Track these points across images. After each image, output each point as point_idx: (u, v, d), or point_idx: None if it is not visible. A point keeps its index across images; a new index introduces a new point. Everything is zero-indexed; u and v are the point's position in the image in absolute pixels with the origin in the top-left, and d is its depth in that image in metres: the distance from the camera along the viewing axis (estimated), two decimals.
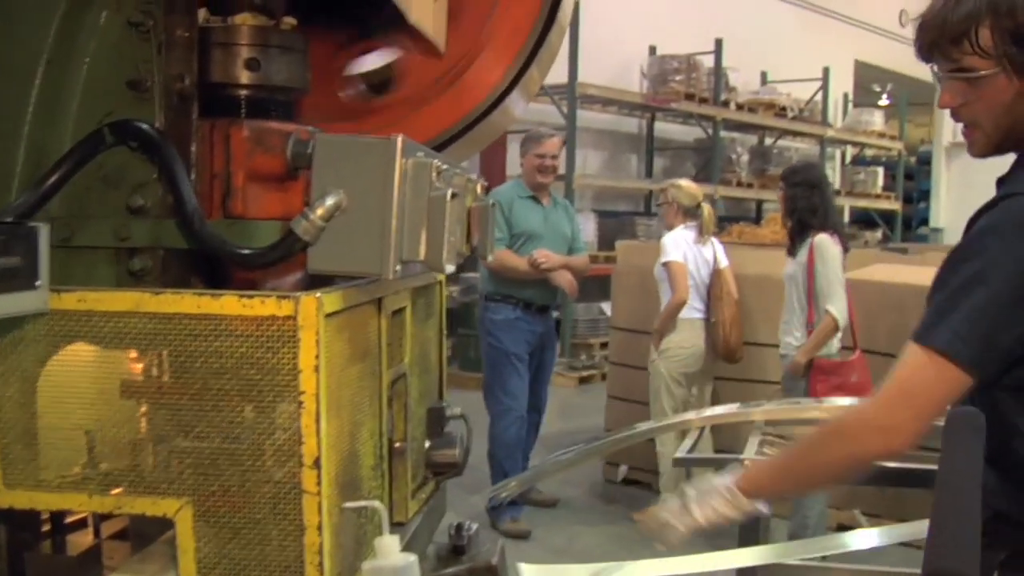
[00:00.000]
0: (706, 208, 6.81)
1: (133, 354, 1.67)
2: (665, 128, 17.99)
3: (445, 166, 1.85)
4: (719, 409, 4.87)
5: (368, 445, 1.93)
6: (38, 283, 1.62)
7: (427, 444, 2.43)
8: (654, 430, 5.18)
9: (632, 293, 7.81)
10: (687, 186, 6.93)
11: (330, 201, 1.67)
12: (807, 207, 6.00)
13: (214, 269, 1.89)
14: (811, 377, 5.95)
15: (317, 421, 1.61)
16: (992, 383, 1.94)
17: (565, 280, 6.68)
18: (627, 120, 17.37)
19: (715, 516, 2.16)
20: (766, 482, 2.17)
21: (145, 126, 1.82)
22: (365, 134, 1.79)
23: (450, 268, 1.82)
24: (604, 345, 12.12)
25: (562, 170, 14.60)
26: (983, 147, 2.10)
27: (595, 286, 11.91)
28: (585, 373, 13.03)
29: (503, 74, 2.55)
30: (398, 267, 1.69)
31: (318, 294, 1.62)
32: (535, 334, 6.75)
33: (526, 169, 7.14)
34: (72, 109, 1.88)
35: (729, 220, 15.58)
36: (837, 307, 5.89)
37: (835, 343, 6.01)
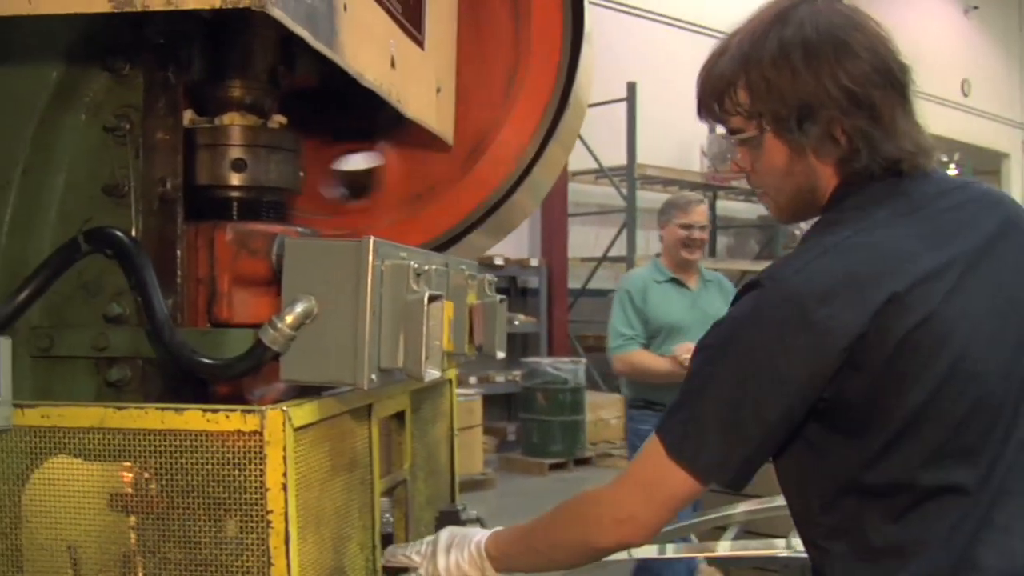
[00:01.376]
0: None
1: (99, 471, 1.60)
2: (727, 206, 17.91)
3: (428, 266, 1.78)
4: None
5: (358, 559, 1.85)
6: None
7: None
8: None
9: None
10: None
11: (299, 308, 1.60)
12: None
13: (198, 379, 1.83)
14: None
15: (287, 542, 1.52)
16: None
17: None
18: None
19: (457, 573, 2.00)
20: (512, 552, 1.99)
21: (118, 233, 1.77)
22: (339, 236, 1.73)
23: (433, 374, 1.73)
24: None
25: (623, 251, 14.56)
26: (776, 214, 1.98)
27: None
28: None
29: (520, 156, 2.50)
30: (374, 376, 1.61)
31: (284, 407, 1.54)
32: None
33: (667, 244, 5.92)
34: (51, 217, 1.84)
35: None
36: None
37: None
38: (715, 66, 1.90)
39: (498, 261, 13.33)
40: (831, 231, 1.79)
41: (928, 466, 1.69)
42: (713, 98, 1.91)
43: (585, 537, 1.85)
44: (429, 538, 2.05)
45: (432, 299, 1.69)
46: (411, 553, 2.03)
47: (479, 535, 2.01)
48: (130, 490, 1.59)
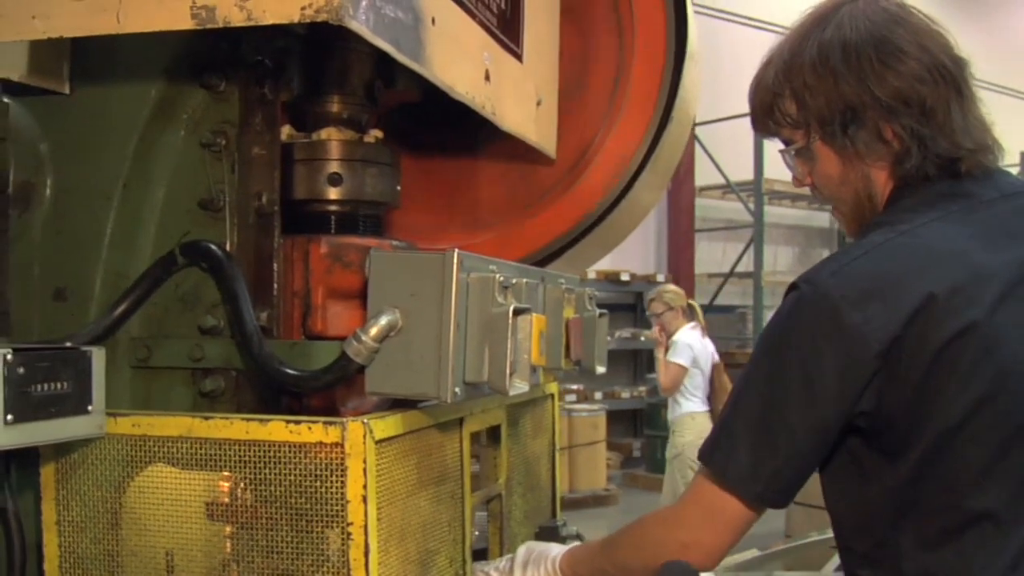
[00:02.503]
0: (695, 305, 7.58)
1: (187, 479, 1.62)
2: None
3: (517, 279, 1.77)
4: None
5: (447, 573, 1.84)
6: (91, 407, 1.60)
7: None
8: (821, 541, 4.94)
9: None
10: (674, 289, 7.82)
11: (384, 320, 1.60)
12: None
13: (292, 391, 1.85)
14: None
15: (366, 553, 1.52)
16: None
17: None
18: (817, 214, 17.04)
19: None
20: (583, 572, 1.93)
21: (212, 246, 1.80)
22: (431, 249, 1.73)
23: (521, 388, 1.72)
24: None
25: (750, 267, 14.39)
26: (845, 227, 1.90)
27: None
28: None
29: (624, 169, 2.47)
30: (458, 389, 1.61)
31: (366, 419, 1.55)
32: None
33: None
34: (150, 231, 1.88)
35: None
36: None
37: None
38: (762, 78, 1.87)
39: (624, 277, 13.30)
40: (876, 232, 1.72)
41: (967, 490, 1.59)
42: (763, 111, 1.88)
43: (653, 560, 1.78)
44: (509, 555, 2.04)
45: (518, 312, 1.68)
46: (491, 570, 2.02)
47: (556, 551, 1.99)
48: (216, 498, 1.61)
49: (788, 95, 1.82)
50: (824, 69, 1.77)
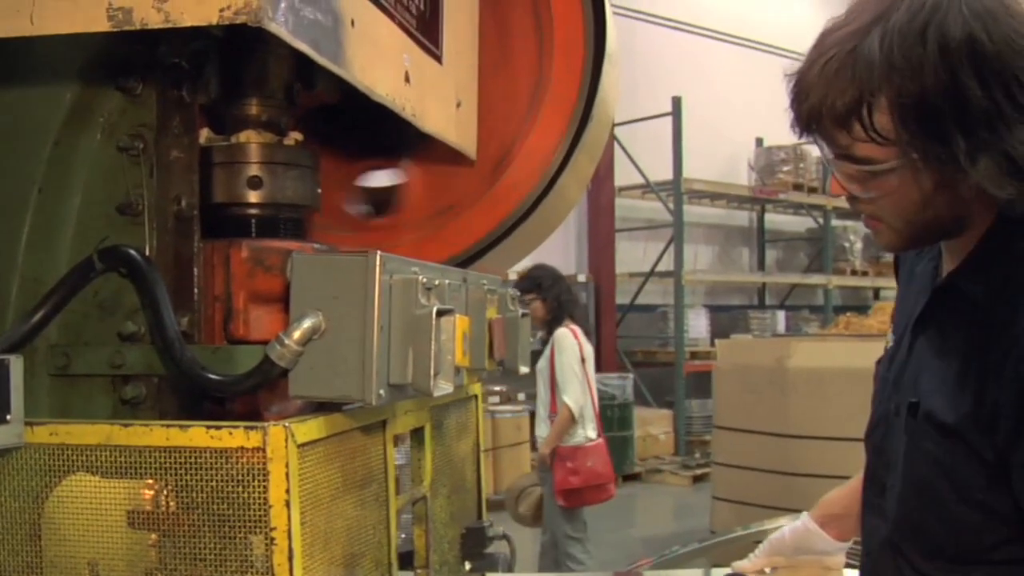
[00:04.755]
0: None
1: (108, 488, 1.60)
2: (776, 219, 17.84)
3: (440, 280, 1.77)
4: None
5: None
6: (9, 417, 1.57)
7: (468, 567, 2.34)
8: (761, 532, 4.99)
9: (734, 391, 7.62)
10: None
11: (307, 324, 1.60)
12: (567, 301, 6.49)
13: (214, 397, 1.83)
14: (553, 464, 6.33)
15: (290, 559, 1.52)
16: None
17: None
18: (737, 213, 17.27)
19: None
20: None
21: (131, 251, 1.77)
22: (347, 250, 1.73)
23: (445, 389, 1.72)
24: None
25: (671, 266, 14.52)
26: (893, 244, 1.68)
27: (710, 382, 11.77)
28: (699, 472, 12.80)
29: (546, 168, 2.48)
30: (382, 391, 1.61)
31: (287, 423, 1.54)
32: None
33: None
34: (67, 236, 1.85)
35: (844, 310, 15.25)
36: (572, 397, 6.25)
37: (584, 430, 6.43)
38: (834, 82, 1.53)
39: None
40: None
41: None
42: (835, 121, 1.54)
43: None
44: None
45: (442, 313, 1.68)
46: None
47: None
48: (138, 507, 1.59)
49: (884, 106, 1.50)
50: (948, 76, 1.46)
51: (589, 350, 6.55)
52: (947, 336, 1.68)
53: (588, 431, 6.47)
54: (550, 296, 6.41)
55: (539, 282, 6.44)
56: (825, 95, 1.53)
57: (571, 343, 6.38)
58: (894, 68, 1.47)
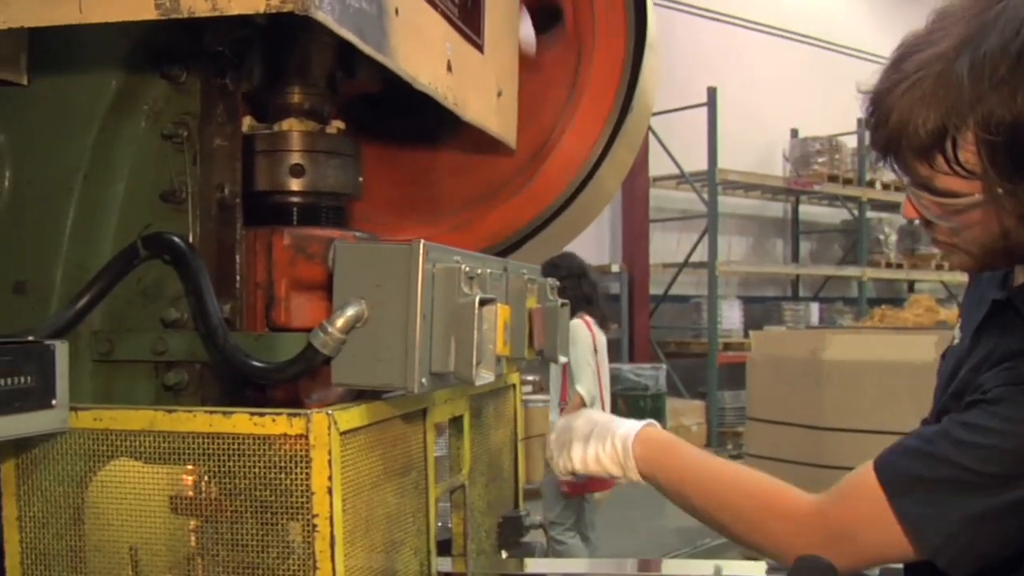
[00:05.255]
0: None
1: (150, 473, 1.61)
2: (810, 211, 17.75)
3: (482, 270, 1.77)
4: None
5: (412, 564, 1.84)
6: (54, 402, 1.58)
7: (504, 555, 2.34)
8: None
9: (768, 382, 7.59)
10: None
11: (350, 312, 1.60)
12: (580, 296, 6.45)
13: (257, 384, 1.84)
14: None
15: (332, 545, 1.52)
16: None
17: None
18: (771, 205, 17.19)
19: (595, 466, 1.94)
20: (660, 474, 1.86)
21: (175, 238, 1.78)
22: (390, 239, 1.73)
23: (487, 378, 1.72)
24: None
25: (704, 257, 14.48)
26: (967, 266, 1.65)
27: (743, 373, 11.72)
28: None
29: (585, 158, 2.48)
30: (424, 380, 1.61)
31: (330, 411, 1.54)
32: None
33: None
34: (111, 223, 1.86)
35: (878, 302, 15.17)
36: (585, 387, 6.31)
37: None
38: (916, 110, 1.45)
39: None
40: None
41: None
42: (916, 151, 1.48)
43: (763, 540, 1.75)
44: (563, 422, 2.03)
45: (484, 302, 1.68)
46: (551, 443, 2.03)
47: (623, 429, 1.93)
48: (180, 492, 1.60)
49: (971, 140, 1.42)
50: None
51: (602, 340, 6.63)
52: (994, 347, 1.67)
53: None
54: (565, 288, 6.48)
55: (557, 273, 6.51)
56: (907, 122, 1.46)
57: (584, 334, 6.45)
58: (984, 97, 1.39)
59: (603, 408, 6.58)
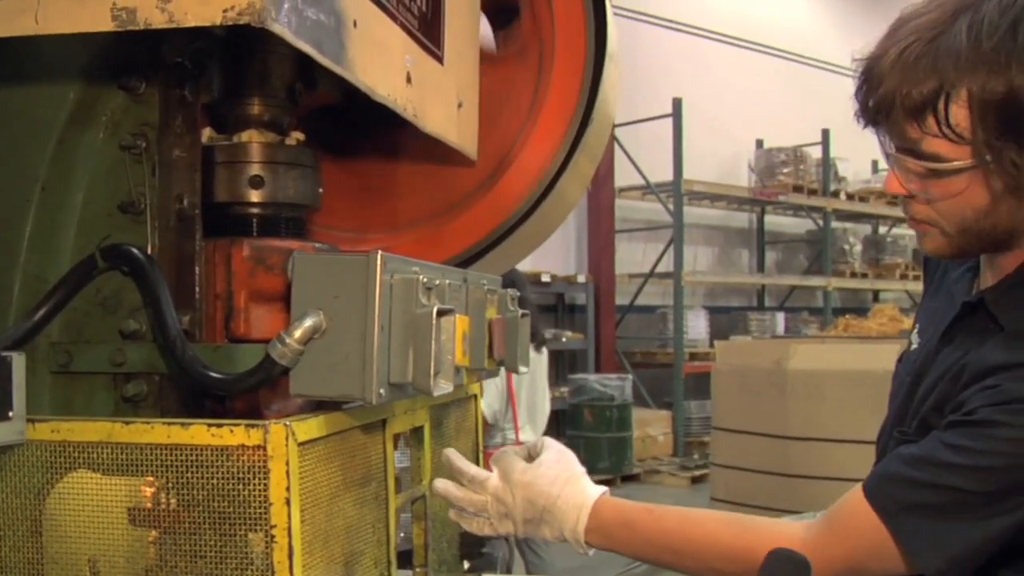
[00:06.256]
0: None
1: (109, 485, 1.61)
2: (776, 221, 17.85)
3: (440, 280, 1.78)
4: None
5: (372, 575, 1.84)
6: (11, 414, 1.58)
7: (466, 566, 2.34)
8: None
9: (732, 392, 7.62)
10: None
11: (308, 323, 1.61)
12: None
13: (216, 395, 1.84)
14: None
15: (290, 556, 1.52)
16: None
17: None
18: (737, 215, 17.28)
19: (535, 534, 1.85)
20: (620, 546, 1.80)
21: (133, 250, 1.78)
22: (348, 250, 1.74)
23: (445, 388, 1.73)
24: None
25: (670, 267, 14.53)
26: (941, 250, 1.64)
27: (709, 383, 11.80)
28: (698, 473, 12.80)
29: (546, 169, 2.49)
30: (382, 390, 1.61)
31: (288, 421, 1.55)
32: None
33: None
34: (70, 235, 1.86)
35: (843, 312, 15.27)
36: (487, 403, 6.31)
37: (503, 433, 6.51)
38: (912, 68, 1.47)
39: (545, 278, 13.37)
40: None
41: None
42: (908, 111, 1.49)
43: None
44: (495, 488, 1.93)
45: (442, 313, 1.69)
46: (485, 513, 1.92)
47: (569, 522, 1.83)
48: (139, 504, 1.60)
49: (963, 100, 1.44)
50: None
51: None
52: (967, 348, 1.68)
53: (508, 433, 6.57)
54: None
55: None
56: (901, 83, 1.48)
57: None
58: (981, 61, 1.41)
59: (515, 426, 6.55)
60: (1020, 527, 1.56)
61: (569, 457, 1.99)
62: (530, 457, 1.99)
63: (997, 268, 1.69)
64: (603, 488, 1.92)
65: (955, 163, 1.48)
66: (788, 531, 1.73)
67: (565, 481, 1.90)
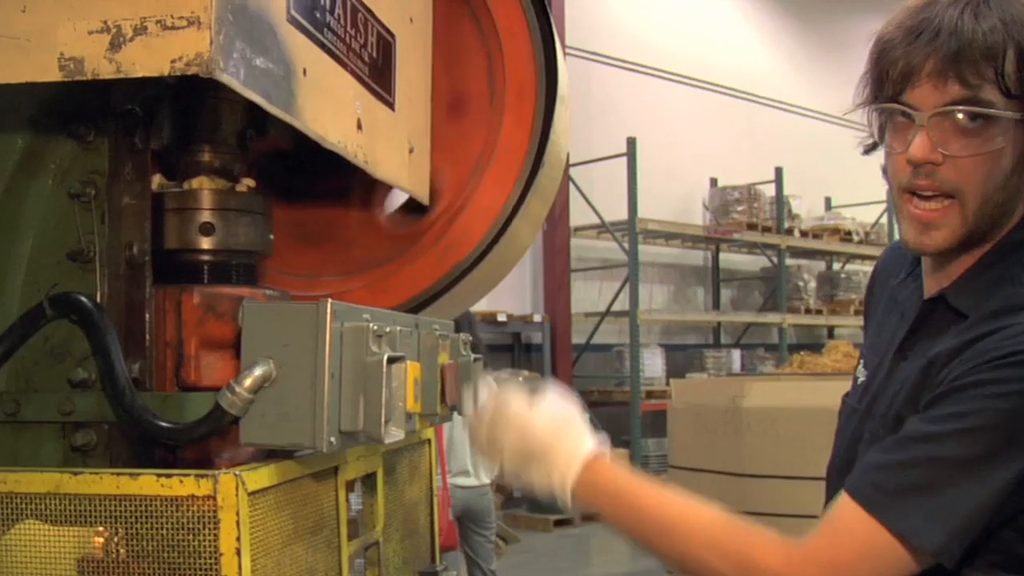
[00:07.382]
0: None
1: (58, 536, 1.59)
2: (730, 259, 17.94)
3: (391, 327, 1.78)
4: None
5: None
6: None
7: None
8: None
9: (688, 430, 7.64)
10: None
11: (258, 371, 1.60)
12: None
13: (166, 444, 1.83)
14: None
15: None
16: None
17: None
18: (692, 253, 17.35)
19: (527, 484, 1.86)
20: (606, 507, 1.81)
21: (82, 298, 1.77)
22: (306, 298, 1.74)
23: (396, 435, 1.73)
24: None
25: (626, 305, 14.57)
26: (952, 236, 1.66)
27: (665, 421, 11.79)
28: None
29: (499, 212, 2.50)
30: (333, 439, 1.61)
31: (237, 471, 1.54)
32: None
33: None
34: (17, 283, 1.85)
35: (799, 348, 15.36)
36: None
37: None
38: (979, 19, 1.57)
39: (501, 318, 13.37)
40: None
41: None
42: (979, 52, 1.56)
43: None
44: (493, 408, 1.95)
45: (393, 360, 1.69)
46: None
47: (559, 469, 1.84)
48: (89, 555, 1.58)
49: (1016, 54, 1.55)
50: None
51: None
52: (928, 350, 1.70)
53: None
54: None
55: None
56: (973, 32, 1.55)
57: None
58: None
59: (443, 470, 6.42)
60: (1017, 482, 1.54)
61: (570, 402, 1.99)
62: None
63: (944, 275, 1.74)
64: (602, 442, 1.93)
65: (1000, 112, 1.57)
66: (779, 548, 1.71)
67: (565, 421, 1.92)
